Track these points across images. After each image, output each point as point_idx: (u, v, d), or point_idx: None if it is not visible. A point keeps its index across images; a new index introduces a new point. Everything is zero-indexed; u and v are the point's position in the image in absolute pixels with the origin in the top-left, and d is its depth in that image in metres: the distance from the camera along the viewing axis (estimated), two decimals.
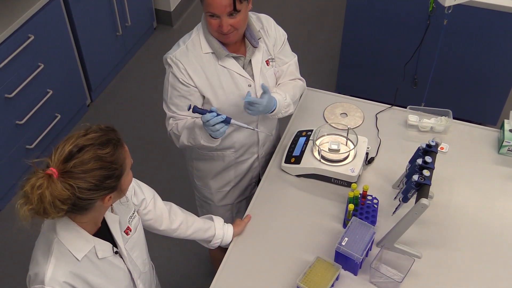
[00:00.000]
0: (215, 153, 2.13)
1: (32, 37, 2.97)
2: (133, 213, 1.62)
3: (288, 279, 1.79)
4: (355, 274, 1.80)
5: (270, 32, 2.03)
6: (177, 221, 1.82)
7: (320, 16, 4.53)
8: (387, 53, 3.33)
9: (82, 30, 3.42)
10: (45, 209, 1.26)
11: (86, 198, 1.30)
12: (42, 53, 3.10)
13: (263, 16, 2.05)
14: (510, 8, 2.89)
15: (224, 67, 1.94)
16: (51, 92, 3.20)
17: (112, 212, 1.55)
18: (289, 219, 1.98)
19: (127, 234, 1.58)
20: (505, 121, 2.19)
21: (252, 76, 1.98)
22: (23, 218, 1.28)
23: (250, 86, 1.98)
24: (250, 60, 1.97)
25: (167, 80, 1.96)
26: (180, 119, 1.98)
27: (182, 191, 3.03)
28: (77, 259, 1.41)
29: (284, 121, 2.34)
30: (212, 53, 1.93)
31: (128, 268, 1.58)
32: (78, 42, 3.42)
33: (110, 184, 1.33)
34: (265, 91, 1.88)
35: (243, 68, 1.97)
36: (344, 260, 1.77)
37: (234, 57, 1.95)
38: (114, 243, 1.53)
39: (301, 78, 2.16)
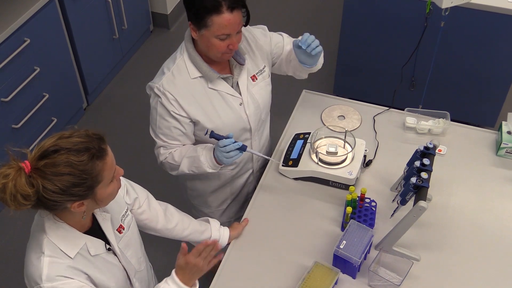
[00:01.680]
0: (209, 172, 2.10)
1: (28, 41, 2.97)
2: (125, 212, 1.62)
3: (287, 285, 1.78)
4: (354, 277, 1.80)
5: (256, 40, 2.00)
6: (173, 221, 1.82)
7: (317, 18, 4.54)
8: (384, 55, 3.34)
9: (78, 33, 3.42)
10: (4, 199, 1.27)
11: (51, 199, 1.30)
12: (38, 57, 3.10)
13: (243, 29, 2.02)
14: (507, 10, 2.90)
15: (215, 89, 1.91)
16: (47, 96, 3.20)
17: (103, 210, 1.54)
18: (287, 222, 1.98)
19: (119, 232, 1.57)
20: (503, 123, 2.19)
21: (240, 95, 1.97)
22: None
23: (241, 104, 1.96)
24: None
25: (154, 109, 1.90)
26: (172, 148, 1.94)
27: (178, 195, 3.02)
28: (70, 257, 1.41)
29: (281, 124, 2.35)
30: (200, 77, 1.89)
31: (123, 266, 1.58)
32: (74, 45, 3.42)
33: (78, 192, 1.31)
34: (296, 40, 1.90)
35: (232, 87, 1.95)
36: (342, 263, 1.77)
37: (224, 78, 1.93)
38: (107, 241, 1.53)
39: None
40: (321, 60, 2.07)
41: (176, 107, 1.87)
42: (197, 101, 1.89)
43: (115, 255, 1.55)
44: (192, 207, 2.32)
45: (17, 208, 1.29)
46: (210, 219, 1.93)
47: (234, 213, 2.29)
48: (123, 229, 1.59)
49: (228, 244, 1.93)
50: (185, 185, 2.23)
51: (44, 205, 1.33)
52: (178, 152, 1.93)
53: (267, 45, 2.04)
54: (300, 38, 1.91)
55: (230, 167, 2.09)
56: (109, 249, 1.52)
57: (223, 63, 1.94)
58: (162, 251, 2.83)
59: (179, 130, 1.91)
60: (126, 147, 3.50)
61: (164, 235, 1.83)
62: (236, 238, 1.94)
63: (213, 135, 1.83)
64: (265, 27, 2.08)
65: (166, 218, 1.81)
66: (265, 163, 2.24)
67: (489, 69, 3.16)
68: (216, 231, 1.89)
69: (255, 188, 2.24)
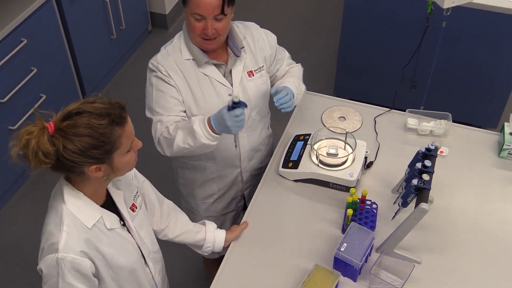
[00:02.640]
0: (196, 163, 2.13)
1: (25, 41, 2.97)
2: (136, 192, 1.68)
3: None
4: (355, 280, 1.80)
5: (260, 40, 2.03)
6: (165, 216, 1.84)
7: (317, 19, 4.55)
8: (385, 56, 3.34)
9: (76, 33, 3.42)
10: (26, 155, 1.35)
11: (70, 160, 1.36)
12: (35, 57, 3.10)
13: (251, 24, 2.06)
14: (510, 10, 2.90)
15: (205, 74, 1.94)
16: (44, 97, 3.20)
17: (116, 188, 1.60)
18: (287, 225, 1.98)
19: (133, 211, 1.63)
20: (505, 124, 2.19)
21: (232, 85, 1.98)
22: (13, 158, 1.37)
23: (230, 95, 1.98)
24: (231, 70, 1.98)
25: (150, 85, 1.96)
26: (168, 122, 1.94)
27: (174, 199, 3.03)
28: (88, 228, 1.46)
29: (281, 125, 2.34)
30: (192, 59, 1.93)
31: (137, 244, 1.62)
32: (72, 45, 3.42)
33: (96, 154, 1.38)
34: (277, 90, 1.93)
35: (224, 77, 1.97)
36: (343, 266, 1.77)
37: (215, 64, 1.95)
38: (121, 218, 1.58)
39: (296, 64, 2.22)
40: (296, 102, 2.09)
41: (168, 77, 1.93)
42: (187, 81, 1.94)
43: (129, 232, 1.60)
44: (181, 197, 2.35)
45: (37, 165, 1.35)
46: (206, 221, 1.93)
47: (221, 210, 2.30)
48: (136, 208, 1.64)
49: (227, 247, 1.93)
50: (177, 173, 2.27)
51: (63, 166, 1.38)
52: (173, 126, 1.93)
53: (270, 50, 2.07)
54: (276, 89, 1.94)
55: (211, 161, 2.10)
56: (123, 225, 1.57)
57: (218, 51, 1.96)
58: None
59: (176, 99, 1.94)
60: None
61: (156, 233, 1.84)
62: (234, 241, 1.93)
63: (239, 102, 1.77)
64: (275, 37, 2.12)
65: (161, 213, 1.83)
66: (259, 166, 2.24)
67: (491, 70, 3.16)
68: (211, 232, 1.90)
69: (244, 188, 2.25)
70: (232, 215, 2.35)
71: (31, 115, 3.10)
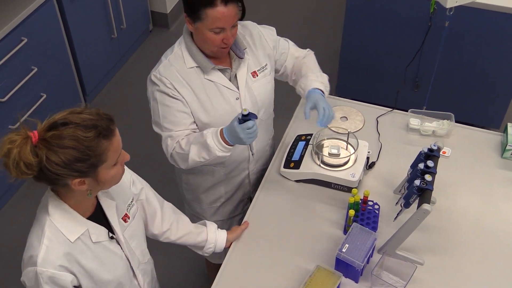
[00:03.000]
0: (204, 168, 2.09)
1: (26, 40, 2.97)
2: (131, 201, 1.63)
3: None
4: (356, 281, 1.80)
5: (261, 38, 2.02)
6: (167, 220, 1.82)
7: (319, 18, 4.54)
8: (387, 56, 3.34)
9: (77, 32, 3.42)
10: (7, 164, 1.30)
11: (53, 172, 1.33)
12: (36, 57, 3.10)
13: (249, 23, 2.04)
14: None
15: (210, 80, 1.92)
16: (44, 96, 3.20)
17: (109, 197, 1.56)
18: (288, 225, 1.98)
19: (125, 221, 1.58)
20: (509, 124, 2.19)
21: (238, 89, 1.97)
22: None
23: (238, 99, 1.96)
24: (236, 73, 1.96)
25: (154, 100, 1.91)
26: (179, 137, 1.91)
27: (175, 201, 3.03)
28: (70, 241, 1.43)
29: (283, 125, 2.34)
30: (196, 67, 1.90)
31: (126, 256, 1.58)
32: (73, 45, 3.43)
33: (80, 168, 1.34)
34: (308, 99, 1.93)
35: (230, 81, 1.96)
36: (344, 267, 1.77)
37: (220, 70, 1.93)
38: (111, 229, 1.54)
39: (305, 50, 2.19)
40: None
41: (174, 91, 1.88)
42: (193, 90, 1.90)
43: (118, 244, 1.56)
44: (185, 202, 2.33)
45: (18, 175, 1.31)
46: (207, 222, 1.93)
47: (228, 213, 2.29)
48: (129, 218, 1.60)
49: (228, 247, 1.93)
50: (181, 179, 2.24)
51: (46, 177, 1.35)
52: (185, 140, 1.90)
53: (271, 46, 2.05)
54: (311, 105, 1.93)
55: (220, 165, 2.08)
56: (111, 238, 1.53)
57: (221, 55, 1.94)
58: (158, 258, 2.83)
59: (183, 113, 1.90)
60: (124, 147, 3.49)
61: (157, 237, 1.83)
62: (235, 241, 1.93)
63: (249, 115, 1.77)
64: (274, 29, 2.10)
65: (162, 216, 1.81)
66: (265, 167, 2.24)
67: (494, 70, 3.16)
68: (212, 233, 1.89)
69: (250, 191, 2.25)
70: (239, 218, 2.33)
71: (29, 117, 3.09)
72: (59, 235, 1.42)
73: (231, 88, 1.95)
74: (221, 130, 1.83)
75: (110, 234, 1.53)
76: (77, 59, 3.50)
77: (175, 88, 1.88)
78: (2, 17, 2.89)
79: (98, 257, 1.49)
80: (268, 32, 2.06)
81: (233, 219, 2.32)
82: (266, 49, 2.03)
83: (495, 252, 1.88)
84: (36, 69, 3.09)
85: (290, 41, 2.16)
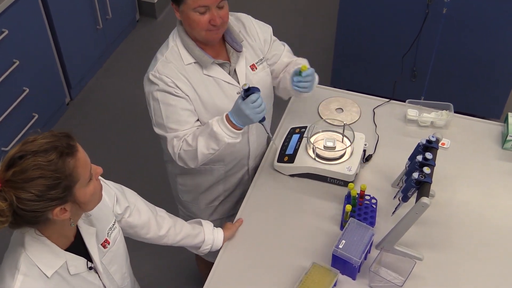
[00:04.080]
0: (202, 167, 2.07)
1: (6, 32, 2.95)
2: (113, 224, 1.60)
3: (283, 287, 1.79)
4: (354, 278, 1.80)
5: (253, 32, 2.02)
6: (165, 227, 1.81)
7: (312, 5, 4.54)
8: (384, 44, 3.34)
9: (60, 23, 3.40)
10: None
11: (30, 210, 1.27)
12: (18, 49, 3.08)
13: (242, 16, 2.03)
14: None
15: (210, 76, 1.91)
16: (27, 91, 3.18)
17: (89, 223, 1.52)
18: (283, 221, 1.99)
19: (104, 247, 1.55)
20: (509, 114, 2.20)
21: (238, 83, 1.97)
22: None
23: (239, 93, 1.94)
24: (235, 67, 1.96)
25: (154, 100, 1.88)
26: (185, 136, 1.89)
27: (165, 195, 3.02)
28: (47, 276, 1.38)
29: (276, 117, 2.34)
30: (195, 62, 1.89)
31: (103, 284, 1.56)
32: (56, 36, 3.41)
33: (56, 194, 1.28)
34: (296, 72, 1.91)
35: (230, 75, 1.95)
36: (341, 264, 1.77)
37: (220, 64, 1.93)
38: (89, 257, 1.51)
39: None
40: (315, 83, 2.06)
41: (176, 88, 1.86)
42: (193, 87, 1.89)
43: (96, 272, 1.53)
44: (180, 204, 2.32)
45: None
46: (202, 221, 1.92)
47: (227, 211, 2.29)
48: (109, 243, 1.57)
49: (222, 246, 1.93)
50: (175, 181, 2.23)
51: (24, 219, 1.30)
52: (190, 136, 1.88)
53: (262, 40, 2.04)
54: (299, 68, 1.91)
55: (220, 163, 2.08)
56: (90, 268, 1.50)
57: (218, 49, 1.94)
58: (147, 259, 2.83)
59: (188, 110, 1.88)
60: (111, 143, 3.49)
61: (155, 242, 1.82)
62: (230, 239, 1.94)
63: (250, 89, 1.77)
64: (270, 27, 2.10)
65: (158, 224, 1.79)
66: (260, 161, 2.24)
67: (494, 58, 3.17)
68: (209, 233, 1.89)
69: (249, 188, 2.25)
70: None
71: (12, 112, 3.08)
72: (35, 270, 1.37)
73: (231, 83, 1.94)
74: (226, 115, 1.82)
75: (89, 264, 1.50)
76: (61, 51, 3.47)
77: (177, 86, 1.86)
78: None
79: None
80: (263, 29, 2.05)
81: (231, 218, 2.32)
82: (261, 42, 2.03)
83: (497, 246, 1.89)
84: (18, 62, 3.07)
85: (286, 46, 2.16)
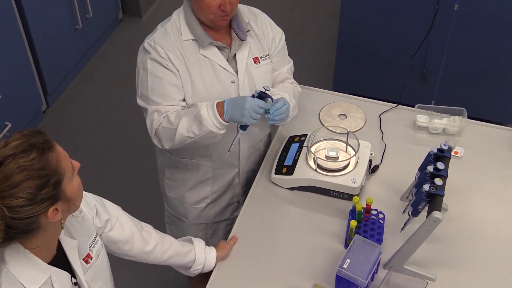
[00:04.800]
0: (189, 161, 2.13)
1: None
2: (95, 238, 1.61)
3: None
4: None
5: (264, 26, 2.07)
6: (151, 243, 1.81)
7: (313, 2, 4.56)
8: (391, 44, 3.35)
9: (35, 24, 3.41)
10: None
11: (24, 217, 1.29)
12: None
13: (257, 10, 2.10)
14: None
15: (206, 57, 1.96)
16: (0, 97, 3.18)
17: (69, 236, 1.53)
18: (281, 239, 1.99)
19: (87, 262, 1.56)
20: None
21: (236, 72, 2.00)
22: None
23: (234, 82, 1.99)
24: (235, 54, 1.99)
25: (143, 69, 1.96)
26: (167, 112, 1.94)
27: (151, 204, 3.02)
28: None
29: (273, 125, 2.35)
30: (193, 40, 1.95)
31: None
32: (31, 38, 3.41)
33: (47, 193, 1.30)
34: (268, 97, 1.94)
35: (227, 62, 1.99)
36: (346, 285, 1.77)
37: (218, 47, 1.97)
38: (73, 273, 1.52)
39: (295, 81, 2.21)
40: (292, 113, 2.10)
41: (168, 60, 1.93)
42: (186, 65, 1.95)
43: None
44: (166, 202, 2.34)
45: None
46: (193, 238, 1.92)
47: (213, 216, 2.30)
48: (91, 258, 1.58)
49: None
50: (164, 173, 2.26)
51: (18, 230, 1.31)
52: (174, 114, 1.93)
53: (273, 40, 2.09)
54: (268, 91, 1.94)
55: (206, 158, 2.11)
56: (75, 283, 1.51)
57: (223, 33, 1.99)
58: (133, 277, 2.82)
59: (175, 86, 1.94)
60: (93, 154, 3.49)
61: (141, 259, 1.82)
62: (224, 259, 1.94)
63: (265, 92, 1.88)
64: (283, 33, 2.14)
65: (143, 239, 1.79)
66: (257, 166, 2.25)
67: (510, 58, 3.19)
68: (201, 252, 1.89)
69: (241, 193, 2.25)
70: (226, 224, 2.35)
71: None
72: (17, 286, 1.38)
73: (227, 69, 1.98)
74: (219, 102, 1.87)
75: (73, 280, 1.51)
76: (37, 53, 3.48)
77: (169, 59, 1.93)
78: None
79: None
80: (273, 26, 2.11)
81: (219, 224, 2.33)
82: (268, 41, 2.08)
83: None
84: None
85: (292, 63, 2.21)
